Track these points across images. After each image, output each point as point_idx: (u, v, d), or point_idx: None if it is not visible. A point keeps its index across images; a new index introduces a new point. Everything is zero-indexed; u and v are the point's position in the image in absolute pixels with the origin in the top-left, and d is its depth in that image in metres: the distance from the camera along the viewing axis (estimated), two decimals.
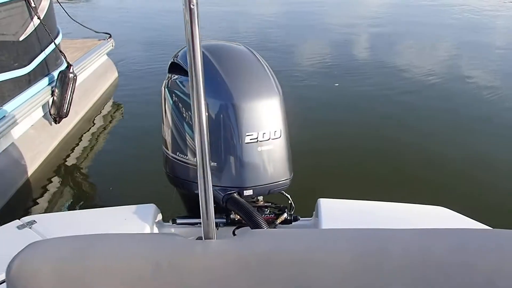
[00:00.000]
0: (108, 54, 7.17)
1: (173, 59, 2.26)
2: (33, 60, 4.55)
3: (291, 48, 9.47)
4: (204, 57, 2.09)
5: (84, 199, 4.36)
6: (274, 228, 2.02)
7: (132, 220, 1.96)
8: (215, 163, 2.03)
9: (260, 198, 2.20)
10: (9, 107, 4.21)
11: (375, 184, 4.20)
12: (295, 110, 5.19)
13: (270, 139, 2.04)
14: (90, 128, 5.80)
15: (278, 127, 2.07)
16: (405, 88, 6.94)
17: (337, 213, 1.95)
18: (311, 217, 2.16)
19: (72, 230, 1.73)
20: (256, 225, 1.86)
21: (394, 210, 1.97)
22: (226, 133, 2.01)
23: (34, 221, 1.92)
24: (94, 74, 6.70)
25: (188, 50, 1.06)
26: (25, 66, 4.40)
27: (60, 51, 5.03)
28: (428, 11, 13.03)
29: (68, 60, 5.02)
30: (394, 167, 4.61)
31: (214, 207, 2.13)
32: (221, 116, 2.00)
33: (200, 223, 2.01)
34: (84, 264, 1.05)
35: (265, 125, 2.04)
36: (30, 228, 1.88)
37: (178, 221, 2.11)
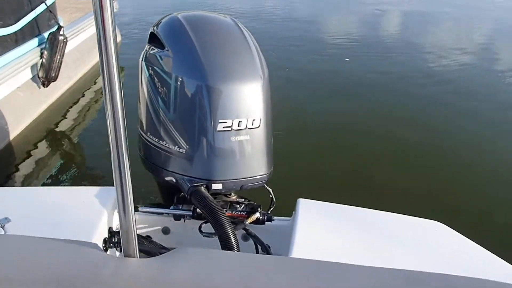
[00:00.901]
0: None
1: (153, 29, 2.02)
2: (20, 19, 4.32)
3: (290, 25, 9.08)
4: (181, 28, 1.88)
5: (60, 173, 4.15)
6: (245, 228, 1.84)
7: (90, 203, 1.82)
8: (183, 150, 1.84)
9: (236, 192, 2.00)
10: None
11: (365, 188, 3.86)
12: (283, 98, 5.10)
13: (247, 129, 1.83)
14: (82, 95, 5.60)
15: (257, 116, 1.84)
16: (415, 80, 6.46)
17: (316, 216, 1.79)
18: (290, 217, 1.96)
19: (21, 208, 1.66)
20: (218, 225, 1.67)
21: (381, 219, 1.78)
22: (199, 117, 1.79)
23: None
24: (94, 38, 6.43)
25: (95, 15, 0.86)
26: (11, 25, 4.18)
27: (51, 12, 4.77)
28: None
29: (65, 20, 4.79)
30: (388, 171, 4.20)
31: (182, 196, 2.02)
32: (195, 97, 1.78)
33: (166, 213, 1.94)
34: None
35: (242, 112, 1.82)
36: None
37: (141, 209, 1.95)
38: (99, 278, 0.93)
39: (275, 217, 1.92)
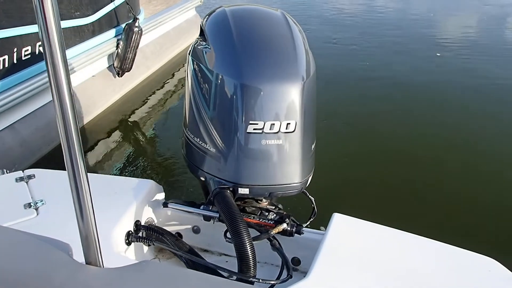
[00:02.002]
0: (198, 10, 6.97)
1: (202, 22, 1.97)
2: (98, 10, 4.47)
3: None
4: (225, 23, 1.82)
5: (119, 162, 4.24)
6: (271, 237, 1.71)
7: (121, 193, 1.83)
8: (215, 150, 1.77)
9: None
10: (68, 53, 4.17)
11: (411, 208, 3.50)
12: (331, 102, 4.73)
13: (280, 132, 1.71)
14: (158, 87, 5.69)
15: (293, 119, 1.71)
16: (478, 88, 5.73)
17: (350, 234, 1.66)
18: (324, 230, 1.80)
19: (59, 191, 1.64)
20: (234, 233, 1.59)
21: (423, 247, 1.62)
22: (232, 117, 1.71)
23: (34, 175, 1.89)
24: (175, 30, 6.58)
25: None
26: (88, 15, 4.33)
27: (128, 4, 4.89)
28: None
29: (148, 13, 4.90)
30: (442, 192, 3.74)
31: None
32: (231, 96, 1.70)
33: (194, 212, 1.89)
34: None
35: (276, 115, 1.70)
36: (26, 182, 1.86)
37: (170, 205, 1.92)
38: (46, 280, 0.90)
39: (309, 230, 1.78)
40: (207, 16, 1.95)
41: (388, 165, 4.08)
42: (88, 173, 2.13)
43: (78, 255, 0.97)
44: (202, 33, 1.92)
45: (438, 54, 7.01)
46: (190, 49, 1.93)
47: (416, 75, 6.17)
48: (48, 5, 0.79)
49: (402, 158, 4.18)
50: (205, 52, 1.81)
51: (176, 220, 1.93)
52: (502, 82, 5.95)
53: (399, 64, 6.59)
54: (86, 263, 0.97)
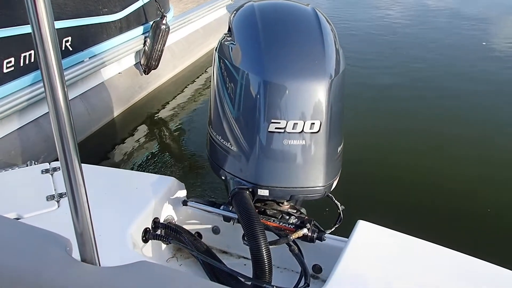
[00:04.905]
0: (229, 9, 6.92)
1: (229, 18, 1.93)
2: (126, 7, 4.47)
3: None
4: (251, 19, 1.77)
5: (142, 159, 4.22)
6: (290, 242, 1.63)
7: (142, 190, 1.81)
8: (236, 149, 1.72)
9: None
10: (95, 50, 4.18)
11: (443, 219, 3.32)
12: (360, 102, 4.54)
13: (303, 133, 1.63)
14: (185, 86, 5.65)
15: (317, 119, 1.63)
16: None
17: (374, 241, 1.59)
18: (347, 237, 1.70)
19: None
20: (249, 236, 1.53)
21: (452, 260, 1.51)
22: (254, 114, 1.65)
23: (59, 168, 1.89)
24: (204, 29, 6.55)
25: None
26: (115, 12, 4.33)
27: (156, 1, 4.86)
28: None
29: (178, 10, 4.88)
30: (477, 208, 3.51)
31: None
32: (255, 93, 1.64)
33: (213, 212, 1.83)
34: None
35: (300, 114, 1.62)
36: (51, 175, 1.88)
37: (190, 203, 1.88)
38: (37, 275, 0.88)
39: (332, 236, 1.71)
40: (234, 12, 1.90)
41: (420, 173, 3.90)
42: (110, 168, 2.12)
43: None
44: (229, 29, 1.87)
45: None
46: (217, 45, 1.88)
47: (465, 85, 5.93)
48: (41, 6, 0.76)
49: (438, 166, 3.99)
50: (231, 49, 1.76)
51: (196, 219, 1.90)
52: None
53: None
54: (82, 261, 0.95)
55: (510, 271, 1.45)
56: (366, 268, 1.45)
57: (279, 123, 1.61)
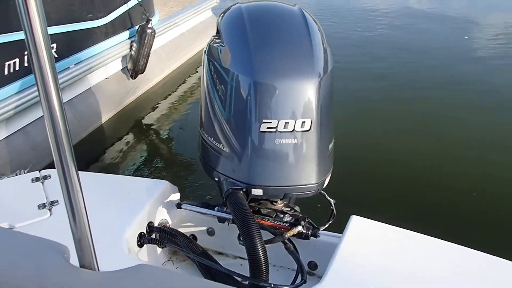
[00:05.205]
0: (215, 11, 6.92)
1: (217, 20, 1.94)
2: (111, 12, 4.45)
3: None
4: (239, 21, 1.78)
5: (133, 164, 4.20)
6: (285, 240, 1.64)
7: (135, 194, 1.82)
8: (229, 150, 1.73)
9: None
10: (81, 56, 4.16)
11: (436, 211, 3.36)
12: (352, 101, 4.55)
13: (294, 131, 1.65)
14: (173, 90, 5.63)
15: (308, 118, 1.64)
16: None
17: (368, 237, 1.61)
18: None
19: None
20: (245, 236, 1.53)
21: (447, 252, 1.54)
22: (245, 115, 1.66)
23: (49, 176, 1.90)
24: (191, 32, 6.54)
25: None
26: (100, 18, 4.31)
27: (141, 5, 4.85)
28: None
29: (163, 14, 4.87)
30: (469, 199, 3.58)
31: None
32: (245, 94, 1.65)
33: (208, 214, 1.83)
34: None
35: (290, 113, 1.63)
36: (42, 183, 1.87)
37: (184, 206, 1.88)
38: (35, 283, 0.87)
39: (326, 233, 1.73)
40: (222, 14, 1.91)
41: (412, 167, 3.95)
42: (103, 174, 2.11)
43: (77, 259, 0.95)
44: (218, 31, 1.87)
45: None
46: (205, 48, 1.88)
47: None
48: (33, 10, 0.76)
49: (427, 160, 4.04)
50: (220, 51, 1.76)
51: (191, 221, 1.90)
52: None
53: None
54: (80, 266, 0.95)
55: (501, 259, 1.48)
56: (361, 262, 1.47)
57: (271, 122, 1.62)
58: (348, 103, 4.79)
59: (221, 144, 1.74)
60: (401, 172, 3.88)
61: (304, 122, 1.63)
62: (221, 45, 1.77)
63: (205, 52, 1.86)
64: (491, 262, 1.48)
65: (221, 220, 1.79)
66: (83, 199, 0.89)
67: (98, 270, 0.95)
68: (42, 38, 0.77)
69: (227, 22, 1.83)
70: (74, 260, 0.93)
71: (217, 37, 1.85)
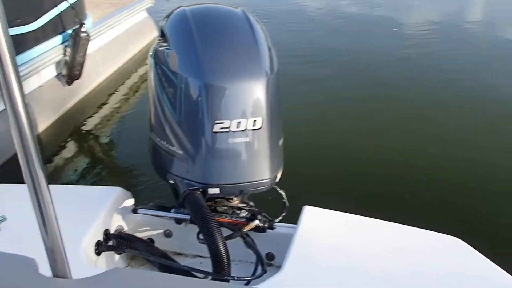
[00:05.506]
0: (150, 11, 6.77)
1: (161, 23, 1.93)
2: (40, 17, 4.27)
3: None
4: (185, 24, 1.80)
5: (78, 173, 4.08)
6: (244, 234, 1.71)
7: (88, 203, 1.80)
8: (182, 152, 1.75)
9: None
10: None
11: (380, 197, 3.57)
12: (297, 99, 4.73)
13: (247, 130, 1.70)
14: (110, 94, 5.49)
15: (259, 116, 1.70)
16: (437, 83, 5.87)
17: (322, 225, 1.71)
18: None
19: (20, 205, 1.61)
20: (206, 233, 1.58)
21: (392, 232, 1.68)
22: (197, 117, 1.68)
23: None
24: (126, 33, 6.39)
25: None
26: (30, 23, 4.13)
27: (73, 8, 4.69)
28: None
29: (97, 17, 4.70)
30: (404, 181, 3.85)
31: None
32: (196, 97, 1.68)
33: (165, 216, 1.82)
34: None
35: (242, 112, 1.69)
36: None
37: (140, 211, 1.89)
38: None
39: (281, 224, 1.80)
40: (166, 18, 1.91)
41: (356, 156, 4.16)
42: (51, 185, 2.03)
43: (45, 269, 0.92)
44: (162, 34, 1.87)
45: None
46: (151, 51, 1.89)
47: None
48: None
49: (368, 147, 4.25)
50: (167, 54, 1.78)
51: (147, 225, 1.89)
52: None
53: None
54: (54, 276, 0.93)
55: (446, 235, 1.63)
56: (317, 249, 1.56)
57: (223, 123, 1.66)
58: (294, 98, 4.90)
59: (174, 147, 1.76)
60: (347, 161, 4.13)
61: (255, 120, 1.69)
62: (167, 49, 1.78)
63: (152, 56, 1.86)
64: (436, 239, 1.63)
65: (178, 221, 1.81)
66: (54, 209, 0.88)
67: (71, 278, 0.94)
68: (6, 46, 0.76)
69: (173, 25, 1.84)
70: (43, 271, 0.92)
71: (162, 40, 1.85)
